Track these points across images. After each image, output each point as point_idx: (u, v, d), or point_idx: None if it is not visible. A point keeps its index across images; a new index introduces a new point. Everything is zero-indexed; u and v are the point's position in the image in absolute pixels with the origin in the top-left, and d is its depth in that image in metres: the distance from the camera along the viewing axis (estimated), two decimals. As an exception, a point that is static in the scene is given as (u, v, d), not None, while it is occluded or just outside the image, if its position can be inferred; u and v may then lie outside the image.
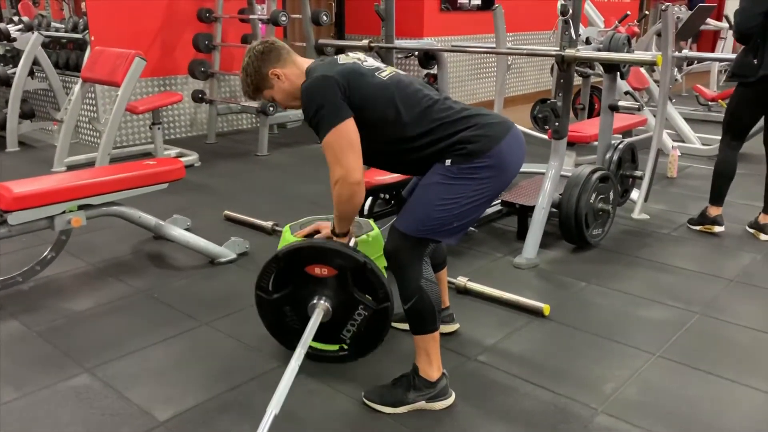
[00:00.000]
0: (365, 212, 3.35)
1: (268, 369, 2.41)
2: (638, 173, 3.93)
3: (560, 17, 3.13)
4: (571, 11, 3.10)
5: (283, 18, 5.36)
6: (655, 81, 6.59)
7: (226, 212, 4.06)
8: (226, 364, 2.46)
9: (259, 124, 5.79)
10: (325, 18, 5.69)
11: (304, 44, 6.07)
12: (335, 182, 2.02)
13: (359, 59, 2.16)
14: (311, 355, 2.24)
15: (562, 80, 3.23)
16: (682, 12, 7.81)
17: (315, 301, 2.14)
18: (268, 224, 3.80)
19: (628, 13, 6.09)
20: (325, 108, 1.99)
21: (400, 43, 4.10)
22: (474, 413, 2.16)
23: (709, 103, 7.41)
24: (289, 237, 2.51)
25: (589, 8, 6.72)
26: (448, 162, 2.03)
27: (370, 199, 3.39)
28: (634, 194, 4.16)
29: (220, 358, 2.50)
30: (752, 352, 2.55)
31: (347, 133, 2.00)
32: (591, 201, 3.43)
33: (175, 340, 2.63)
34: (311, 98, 2.02)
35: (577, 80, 7.25)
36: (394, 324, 2.68)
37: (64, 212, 2.94)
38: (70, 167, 4.95)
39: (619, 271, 3.30)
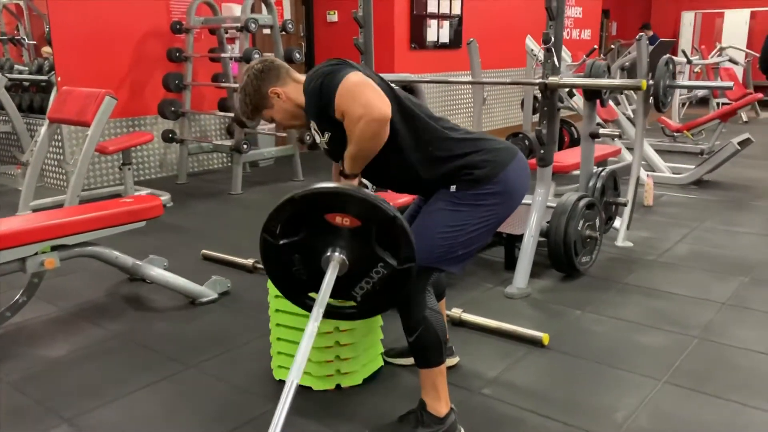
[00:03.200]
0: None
1: (262, 411, 2.27)
2: (622, 200, 3.93)
3: (543, 45, 3.14)
4: (553, 39, 3.11)
5: (256, 56, 5.31)
6: (623, 113, 6.72)
7: (204, 251, 3.93)
8: (216, 408, 2.32)
9: (233, 162, 5.69)
10: (297, 55, 5.67)
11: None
12: (357, 120, 1.82)
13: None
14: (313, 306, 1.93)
15: (545, 108, 3.23)
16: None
17: (329, 253, 1.86)
18: (249, 262, 3.68)
19: (596, 47, 6.24)
20: (331, 71, 1.86)
21: (378, 76, 4.07)
22: (485, 449, 2.06)
23: (675, 134, 7.56)
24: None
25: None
26: (453, 188, 1.97)
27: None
28: (616, 222, 4.16)
29: (210, 403, 2.35)
30: (756, 375, 2.50)
31: (360, 77, 1.84)
32: (579, 228, 3.41)
33: (161, 385, 2.47)
34: (315, 75, 1.89)
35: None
36: (391, 359, 2.58)
37: (36, 253, 2.78)
38: (37, 211, 4.75)
39: (611, 298, 3.26)
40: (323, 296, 1.85)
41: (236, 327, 2.97)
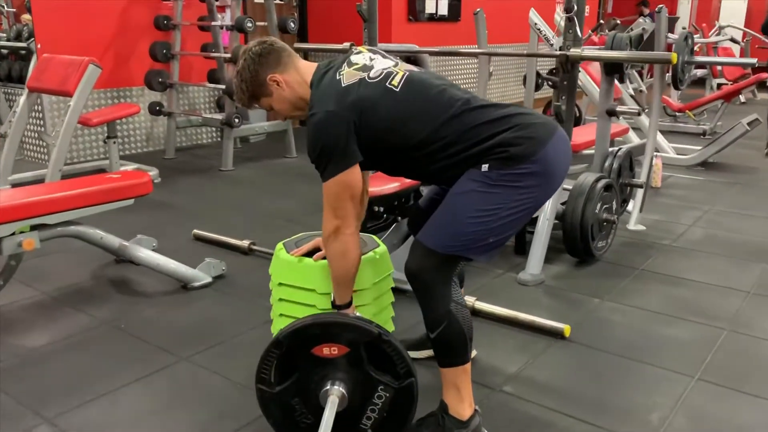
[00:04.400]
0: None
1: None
2: (638, 181, 3.74)
3: (564, 14, 2.92)
4: (576, 8, 2.89)
5: (249, 24, 5.04)
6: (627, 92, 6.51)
7: (196, 231, 3.69)
8: (214, 406, 2.11)
9: (224, 137, 5.42)
10: (292, 25, 5.39)
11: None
12: (329, 235, 1.80)
13: (365, 68, 1.83)
14: None
15: (565, 82, 3.01)
16: (647, 24, 7.81)
17: (327, 388, 1.78)
18: (244, 243, 3.45)
19: (601, 22, 6.03)
20: (330, 151, 1.74)
21: (382, 46, 3.83)
22: (512, 455, 1.88)
23: (676, 113, 7.37)
24: (284, 256, 2.18)
25: (559, 19, 6.61)
26: (485, 167, 1.75)
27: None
28: (629, 205, 3.98)
29: (206, 400, 2.15)
30: (794, 371, 2.34)
31: (350, 183, 1.77)
32: (597, 211, 3.21)
33: (151, 379, 2.26)
34: (317, 138, 1.75)
35: (548, 92, 7.16)
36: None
37: (14, 234, 2.54)
38: (16, 186, 4.48)
39: (629, 286, 3.08)
40: None
41: (233, 314, 2.76)
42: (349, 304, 1.91)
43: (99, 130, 5.33)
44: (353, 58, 1.88)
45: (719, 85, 9.26)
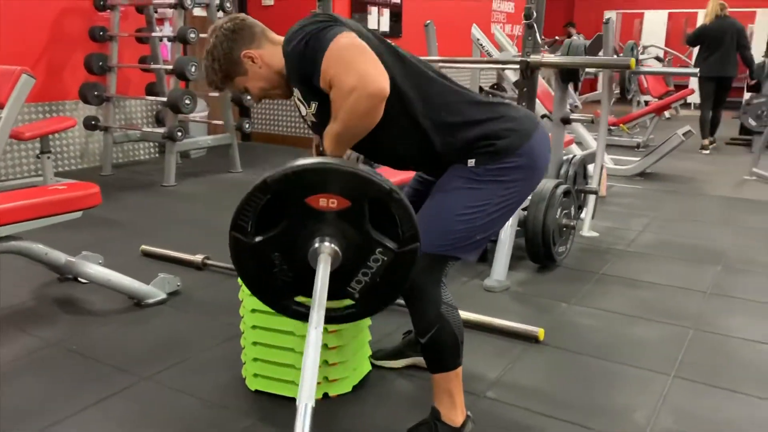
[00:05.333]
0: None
1: (241, 428, 1.94)
2: (593, 188, 3.81)
3: (524, 21, 2.94)
4: (535, 15, 2.91)
5: (192, 35, 4.89)
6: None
7: (144, 247, 3.51)
8: (184, 426, 1.97)
9: (166, 152, 5.22)
10: (236, 37, 5.26)
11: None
12: (348, 93, 1.50)
13: None
14: (306, 314, 1.58)
15: (525, 89, 3.03)
16: (580, 41, 8.05)
17: (317, 245, 1.54)
18: (198, 258, 3.29)
19: (544, 38, 6.15)
20: (318, 30, 1.56)
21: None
22: (506, 461, 1.82)
23: (611, 127, 7.62)
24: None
25: (499, 35, 6.76)
26: (471, 162, 1.71)
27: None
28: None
29: (175, 420, 2.00)
30: (764, 366, 2.39)
31: (353, 39, 1.53)
32: (557, 216, 3.24)
33: (112, 401, 2.09)
34: (298, 34, 1.59)
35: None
36: (379, 362, 2.30)
37: (-50, 250, 2.33)
38: (-61, 204, 4.16)
39: (593, 290, 3.10)
40: (320, 297, 1.50)
41: (192, 331, 2.61)
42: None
43: (30, 146, 5.04)
44: None
45: (646, 102, 9.66)
